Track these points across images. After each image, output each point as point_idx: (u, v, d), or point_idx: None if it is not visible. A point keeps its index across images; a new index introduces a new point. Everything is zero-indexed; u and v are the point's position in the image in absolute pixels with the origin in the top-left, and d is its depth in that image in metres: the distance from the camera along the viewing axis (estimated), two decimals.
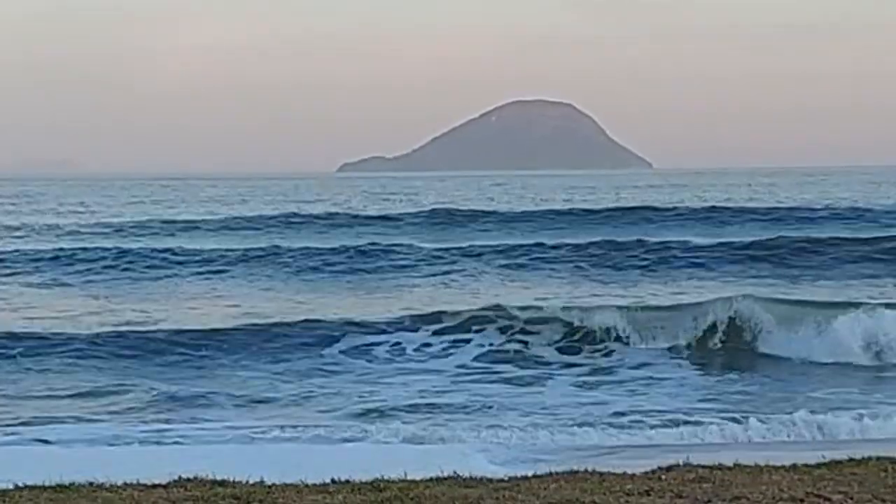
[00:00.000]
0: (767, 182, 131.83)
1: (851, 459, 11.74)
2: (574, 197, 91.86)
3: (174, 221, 58.40)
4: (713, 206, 61.59)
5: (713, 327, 23.74)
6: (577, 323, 24.01)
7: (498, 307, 25.38)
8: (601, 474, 11.04)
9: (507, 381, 20.80)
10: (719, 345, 23.51)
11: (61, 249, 40.28)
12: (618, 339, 23.47)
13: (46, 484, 10.81)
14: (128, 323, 25.76)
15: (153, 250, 39.84)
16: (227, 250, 39.90)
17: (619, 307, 24.81)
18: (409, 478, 10.98)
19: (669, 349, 23.15)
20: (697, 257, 37.50)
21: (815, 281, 33.31)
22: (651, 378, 20.83)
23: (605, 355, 23.20)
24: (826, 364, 22.06)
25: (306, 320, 25.00)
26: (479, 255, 38.96)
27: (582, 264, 37.09)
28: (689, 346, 23.35)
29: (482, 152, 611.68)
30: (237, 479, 10.79)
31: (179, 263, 37.56)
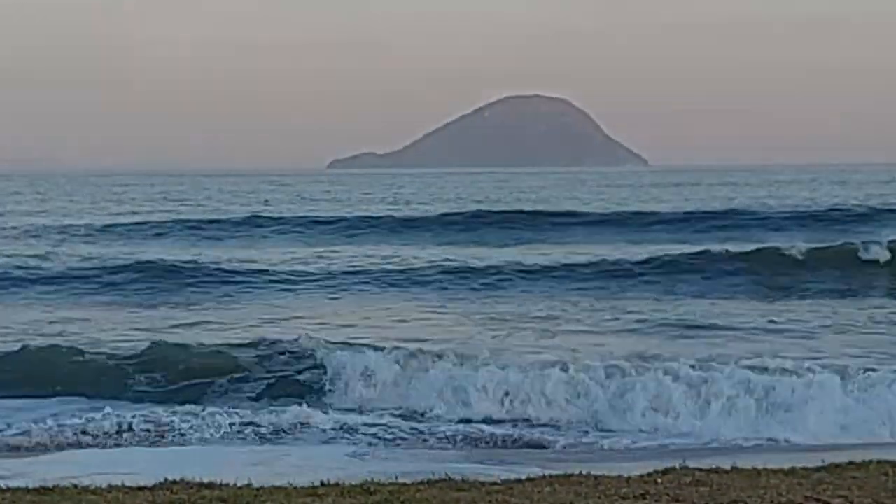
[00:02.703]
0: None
1: (851, 463, 11.59)
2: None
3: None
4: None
5: None
6: None
7: None
8: (596, 477, 10.88)
9: None
10: None
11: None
12: None
13: (30, 486, 10.62)
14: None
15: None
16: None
17: None
18: (399, 481, 10.82)
19: None
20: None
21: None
22: None
23: None
24: None
25: None
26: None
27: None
28: None
29: (475, 149, 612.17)
30: (224, 482, 10.61)
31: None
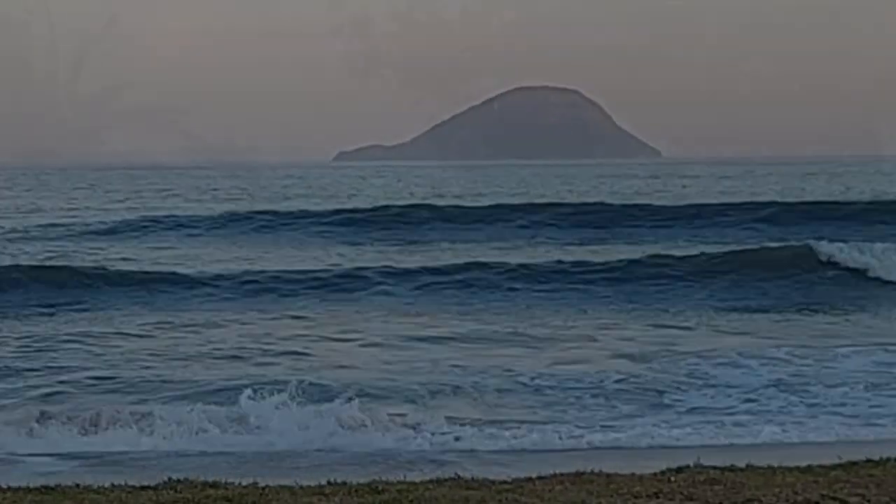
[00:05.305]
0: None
1: (869, 460, 11.41)
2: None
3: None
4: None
5: None
6: None
7: None
8: (608, 476, 10.71)
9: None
10: None
11: None
12: None
13: (31, 486, 10.46)
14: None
15: None
16: None
17: None
18: (408, 479, 10.66)
19: None
20: None
21: None
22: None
23: None
24: None
25: None
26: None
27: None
28: None
29: (485, 141, 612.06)
30: (229, 481, 10.46)
31: None
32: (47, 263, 35.02)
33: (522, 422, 16.00)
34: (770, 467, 11.08)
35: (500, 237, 44.71)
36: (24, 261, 35.66)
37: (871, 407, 17.03)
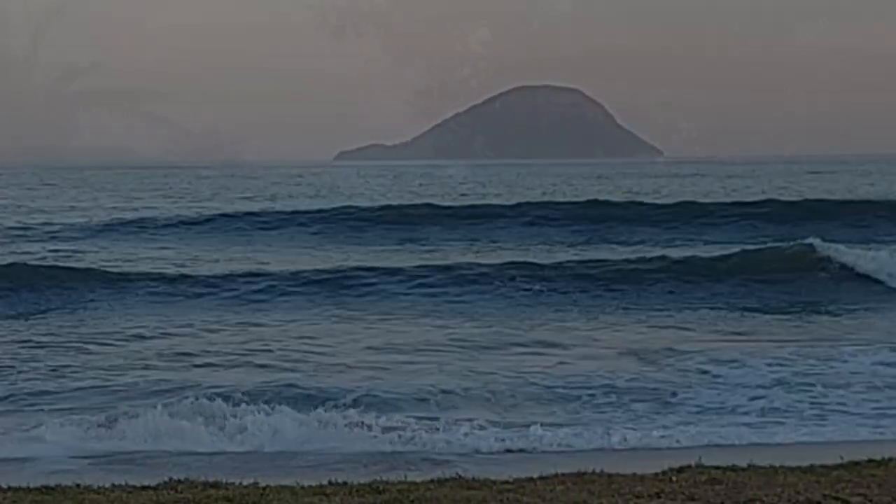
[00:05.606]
0: None
1: (871, 460, 11.37)
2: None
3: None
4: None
5: None
6: None
7: None
8: (609, 476, 10.69)
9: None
10: None
11: None
12: None
13: (31, 486, 10.43)
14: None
15: None
16: None
17: None
18: (409, 479, 10.63)
19: None
20: None
21: None
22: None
23: None
24: None
25: None
26: None
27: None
28: None
29: (486, 140, 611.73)
30: (230, 481, 10.43)
31: None
32: (47, 263, 35.00)
33: (538, 423, 15.87)
34: (772, 467, 11.05)
35: (501, 236, 44.65)
36: (23, 260, 35.62)
37: (875, 407, 17.01)
